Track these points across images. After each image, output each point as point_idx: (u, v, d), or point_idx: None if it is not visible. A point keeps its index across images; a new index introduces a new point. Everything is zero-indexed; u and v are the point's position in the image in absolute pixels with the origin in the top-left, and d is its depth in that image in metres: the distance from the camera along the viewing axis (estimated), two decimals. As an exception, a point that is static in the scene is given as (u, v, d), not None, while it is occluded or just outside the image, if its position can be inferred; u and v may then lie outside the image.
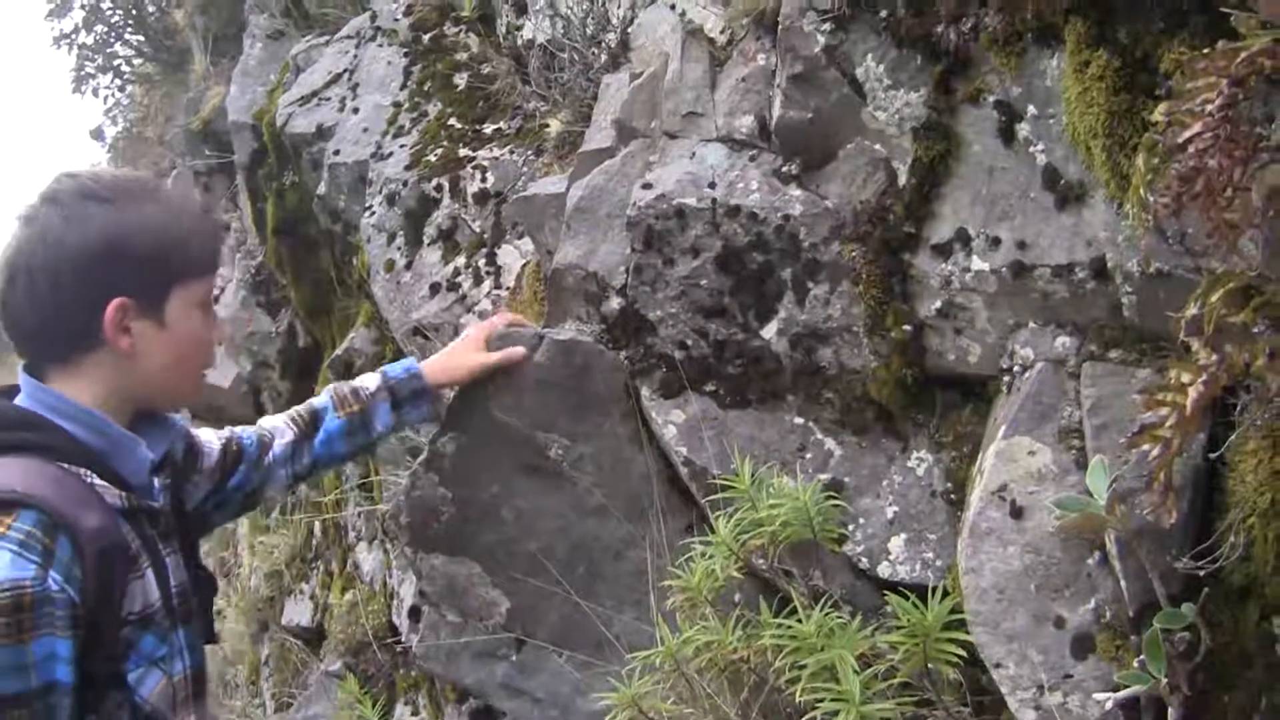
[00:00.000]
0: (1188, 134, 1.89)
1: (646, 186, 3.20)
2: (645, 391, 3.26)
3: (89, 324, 2.28)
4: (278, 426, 3.02)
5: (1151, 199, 2.01)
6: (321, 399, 3.09)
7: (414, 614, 4.24)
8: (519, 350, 3.28)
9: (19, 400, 2.32)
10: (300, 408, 3.09)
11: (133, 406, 2.42)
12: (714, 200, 3.09)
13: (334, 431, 3.03)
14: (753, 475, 2.84)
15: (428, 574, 3.48)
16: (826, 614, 2.62)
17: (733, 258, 3.08)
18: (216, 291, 7.27)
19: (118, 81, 11.65)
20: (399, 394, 3.11)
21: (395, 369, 3.17)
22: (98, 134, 13.07)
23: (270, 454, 2.96)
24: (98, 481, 2.24)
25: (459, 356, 3.27)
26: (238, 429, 2.98)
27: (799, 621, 2.61)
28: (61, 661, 2.05)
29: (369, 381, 3.13)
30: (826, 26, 2.87)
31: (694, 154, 3.23)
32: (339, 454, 3.07)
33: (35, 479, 2.13)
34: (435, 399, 3.21)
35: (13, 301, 2.30)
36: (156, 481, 2.45)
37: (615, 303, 3.29)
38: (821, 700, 2.47)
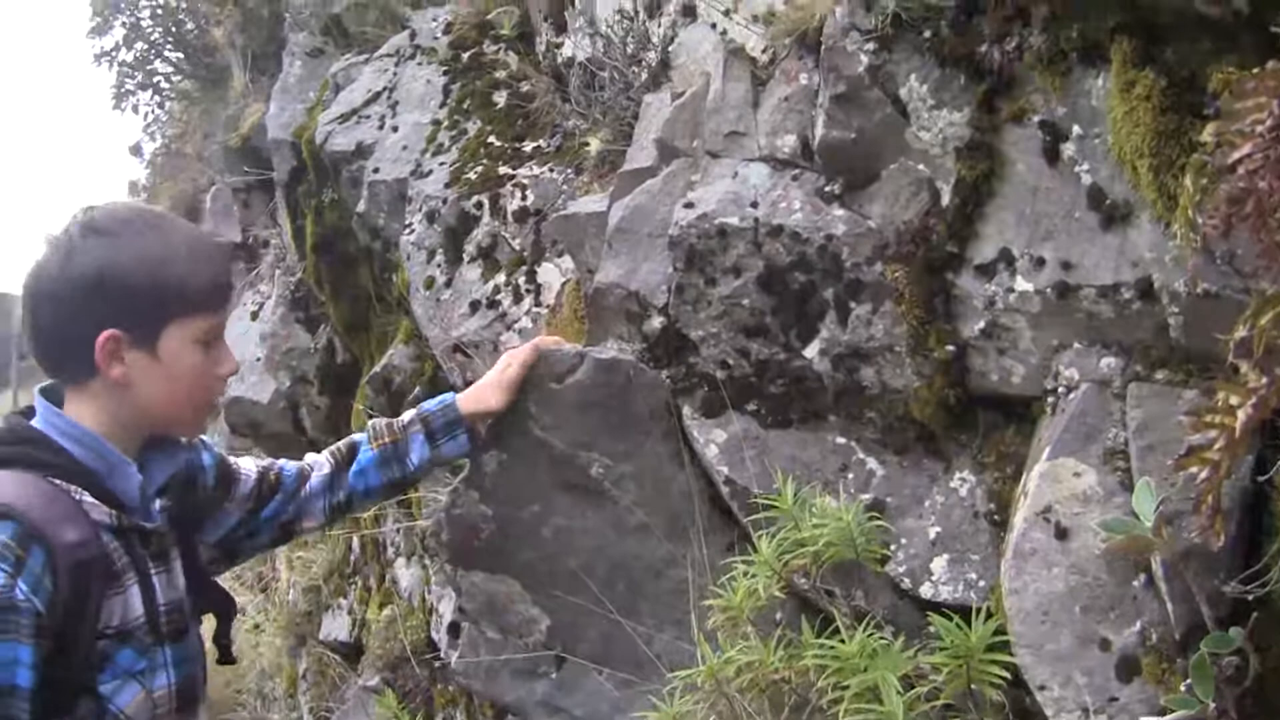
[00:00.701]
0: (1237, 155, 1.88)
1: (689, 206, 3.20)
2: (687, 410, 3.26)
3: (86, 353, 2.34)
4: (318, 460, 3.05)
5: (1200, 220, 2.00)
6: (360, 435, 3.11)
7: (453, 630, 4.25)
8: (527, 350, 3.28)
9: (34, 419, 2.41)
10: (341, 442, 3.12)
11: (138, 432, 2.49)
12: (756, 220, 3.08)
13: (367, 463, 3.04)
14: (795, 495, 2.83)
15: (468, 591, 3.48)
16: (869, 634, 2.61)
17: (775, 277, 3.08)
18: (255, 307, 7.31)
19: (157, 98, 11.72)
20: (432, 425, 3.10)
21: (430, 403, 3.18)
22: (136, 150, 13.16)
23: (307, 486, 2.98)
24: (87, 499, 2.30)
25: (485, 389, 3.27)
26: (281, 461, 3.01)
27: (841, 642, 2.61)
28: (23, 666, 2.11)
29: (405, 416, 3.14)
30: (870, 46, 2.86)
31: (736, 173, 3.23)
32: (374, 486, 3.06)
33: (21, 491, 2.22)
34: (472, 432, 3.20)
35: (28, 327, 2.41)
36: (158, 503, 2.51)
37: (657, 322, 3.29)
38: (864, 722, 2.47)
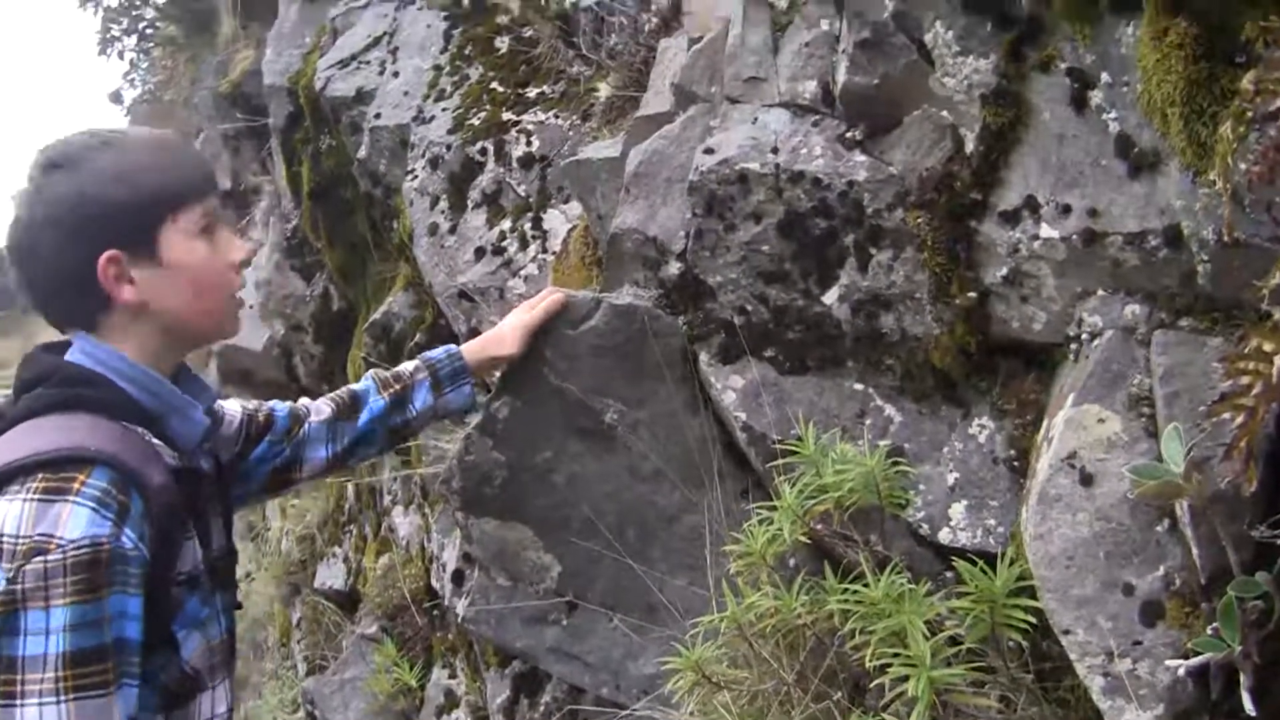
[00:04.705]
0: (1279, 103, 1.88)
1: (708, 151, 3.19)
2: (704, 357, 3.27)
3: (88, 289, 2.27)
4: (315, 405, 3.00)
5: (1244, 166, 2.01)
6: (362, 384, 3.07)
7: (457, 578, 4.27)
8: (558, 296, 3.28)
9: (71, 356, 2.32)
10: (340, 391, 3.07)
11: (172, 361, 2.42)
12: (777, 166, 3.07)
13: (377, 412, 3.00)
14: (816, 441, 2.84)
15: (479, 538, 3.49)
16: (892, 580, 2.63)
17: (795, 223, 3.07)
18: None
19: (143, 44, 11.66)
20: (438, 373, 3.09)
21: (435, 351, 3.16)
22: (116, 98, 13.10)
23: (304, 428, 2.93)
24: (154, 440, 2.26)
25: (502, 332, 3.26)
26: (272, 402, 2.96)
27: (865, 586, 2.62)
28: (131, 619, 2.07)
29: (408, 365, 3.12)
30: (896, -9, 2.86)
31: (756, 119, 3.21)
32: (379, 436, 3.04)
33: (102, 436, 2.14)
34: (476, 383, 3.19)
35: (23, 286, 2.33)
36: (203, 445, 2.45)
37: (674, 267, 3.29)
38: (890, 665, 2.48)
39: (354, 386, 3.07)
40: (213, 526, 2.43)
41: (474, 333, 4.33)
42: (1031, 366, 2.89)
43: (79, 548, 2.00)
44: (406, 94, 5.18)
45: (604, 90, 4.29)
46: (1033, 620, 2.48)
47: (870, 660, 2.50)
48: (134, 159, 2.31)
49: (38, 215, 2.25)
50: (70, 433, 2.14)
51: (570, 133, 4.46)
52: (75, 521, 2.01)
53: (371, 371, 3.11)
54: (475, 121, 4.79)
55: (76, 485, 2.05)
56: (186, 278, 2.35)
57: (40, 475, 2.06)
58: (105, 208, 2.25)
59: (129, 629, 2.06)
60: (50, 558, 1.98)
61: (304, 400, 3.03)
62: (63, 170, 2.26)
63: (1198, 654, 2.28)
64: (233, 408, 2.82)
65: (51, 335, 2.43)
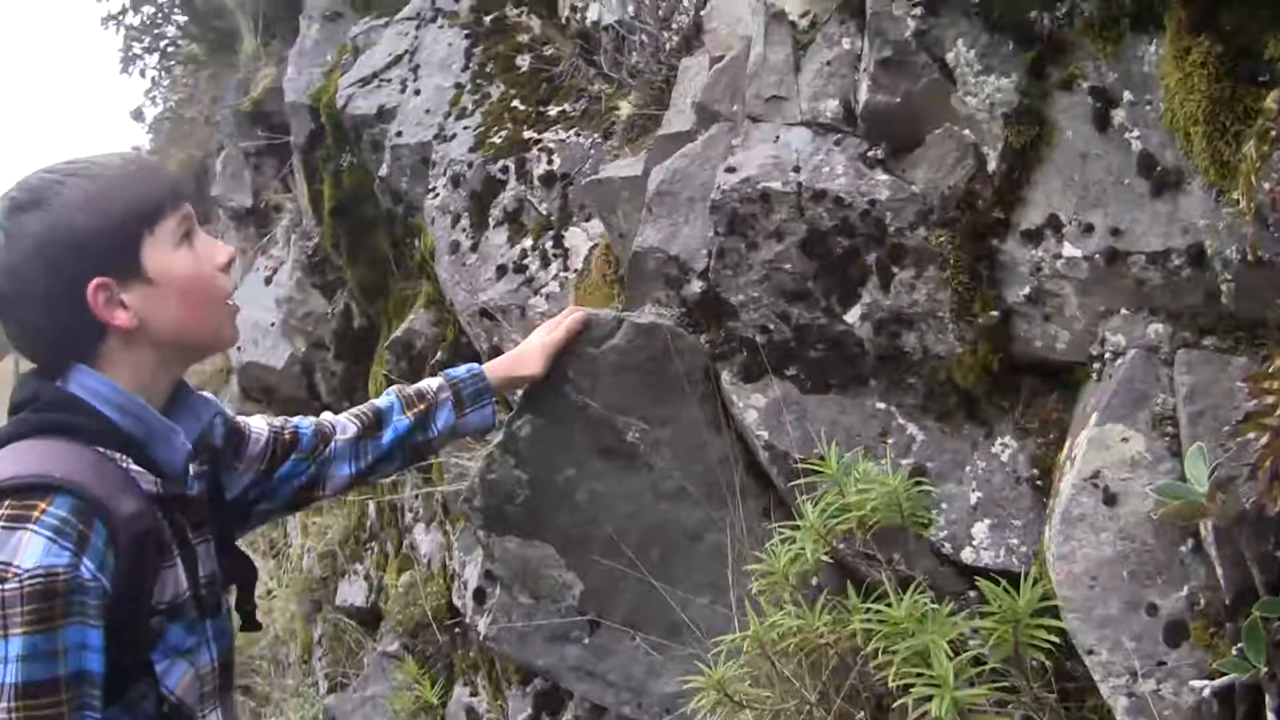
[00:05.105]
0: (1303, 121, 1.88)
1: (730, 170, 3.19)
2: (725, 375, 3.26)
3: (81, 322, 2.24)
4: (340, 421, 2.97)
5: (1267, 186, 2.00)
6: (385, 400, 3.05)
7: (478, 595, 4.26)
8: (580, 315, 3.30)
9: (62, 384, 2.28)
10: (363, 406, 3.04)
11: (169, 380, 2.40)
12: (799, 184, 3.07)
13: (401, 431, 2.98)
14: (838, 460, 2.84)
15: (501, 556, 3.49)
16: (915, 600, 2.62)
17: (817, 242, 3.07)
18: (269, 272, 7.30)
19: (164, 62, 11.72)
20: (461, 393, 3.07)
21: (458, 369, 3.14)
22: (137, 115, 13.17)
23: (330, 447, 2.90)
24: (133, 467, 2.22)
25: (525, 352, 3.28)
26: (295, 419, 2.93)
27: (888, 606, 2.62)
28: (91, 650, 2.03)
29: (431, 383, 3.10)
30: (917, 10, 2.84)
31: (778, 138, 3.21)
32: (399, 455, 3.02)
33: (71, 463, 2.12)
34: (498, 401, 3.18)
35: (13, 333, 2.30)
36: (191, 468, 2.41)
37: (696, 286, 3.29)
38: (913, 685, 2.47)
39: (377, 403, 3.05)
40: (200, 552, 2.39)
41: (495, 351, 4.34)
42: (1054, 385, 2.89)
43: (33, 577, 1.97)
44: (428, 112, 5.19)
45: (625, 109, 4.30)
46: (1056, 640, 2.48)
47: (893, 680, 2.50)
48: (99, 184, 2.27)
49: (16, 260, 2.21)
50: (40, 459, 2.12)
51: (591, 151, 4.46)
52: (31, 550, 1.99)
53: (394, 387, 3.09)
54: (496, 140, 4.80)
55: (36, 513, 2.02)
56: (177, 289, 2.31)
57: (7, 502, 2.03)
58: (82, 237, 2.21)
59: (89, 660, 2.03)
60: (7, 586, 1.96)
61: (326, 415, 3.01)
62: (31, 211, 2.22)
63: (1222, 675, 2.27)
64: (259, 425, 2.80)
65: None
